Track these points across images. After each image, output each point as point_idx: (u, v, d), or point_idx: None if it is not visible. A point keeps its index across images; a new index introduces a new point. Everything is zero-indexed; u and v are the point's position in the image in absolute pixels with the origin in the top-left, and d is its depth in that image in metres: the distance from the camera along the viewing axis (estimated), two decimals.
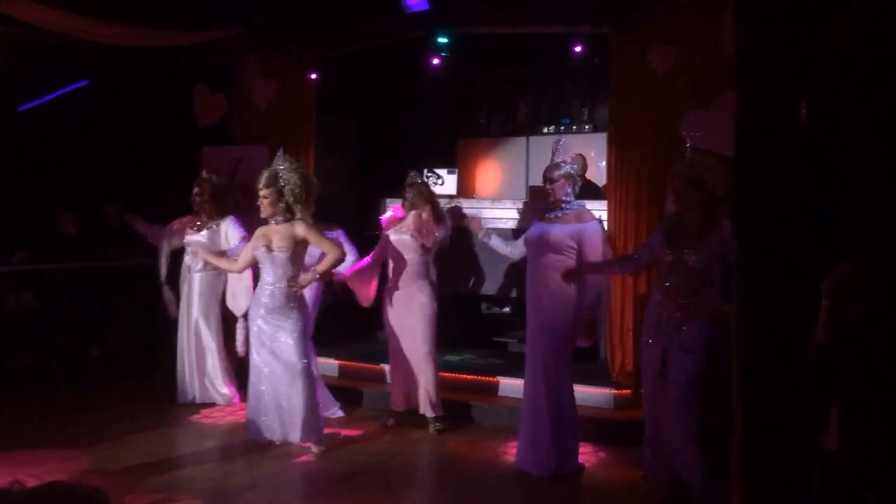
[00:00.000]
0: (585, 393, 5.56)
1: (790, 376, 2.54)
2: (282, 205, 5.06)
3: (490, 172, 9.05)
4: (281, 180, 5.05)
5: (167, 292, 6.27)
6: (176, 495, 4.27)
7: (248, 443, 5.18)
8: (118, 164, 8.06)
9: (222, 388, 6.25)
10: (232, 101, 7.35)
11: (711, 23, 5.46)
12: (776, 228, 2.61)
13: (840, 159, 3.45)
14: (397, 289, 5.63)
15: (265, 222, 5.18)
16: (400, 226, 5.63)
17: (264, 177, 5.08)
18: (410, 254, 5.56)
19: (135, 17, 6.22)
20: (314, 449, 5.06)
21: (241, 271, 5.57)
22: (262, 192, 5.07)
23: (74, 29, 5.95)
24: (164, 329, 6.48)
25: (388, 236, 5.69)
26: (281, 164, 5.10)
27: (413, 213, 5.54)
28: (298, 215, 5.07)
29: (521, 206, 6.68)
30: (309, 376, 5.10)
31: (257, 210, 5.20)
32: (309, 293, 5.51)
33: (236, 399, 6.23)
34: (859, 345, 2.45)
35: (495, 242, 5.21)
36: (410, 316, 5.57)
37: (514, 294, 6.87)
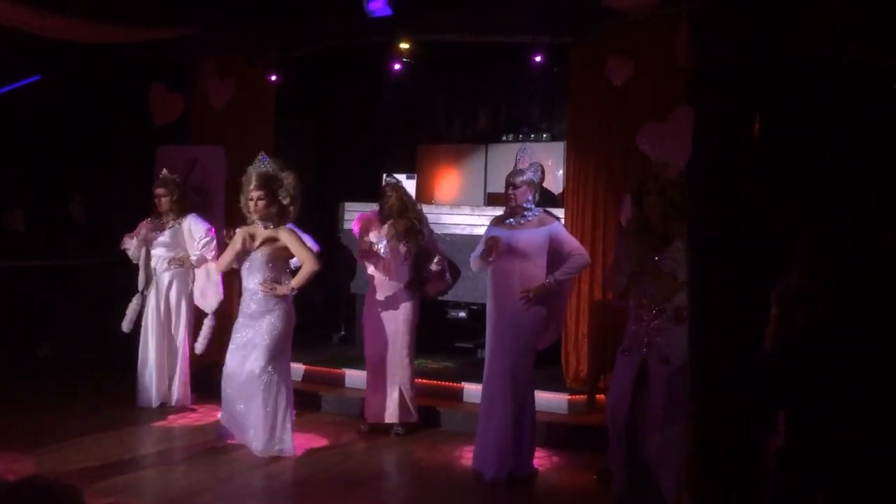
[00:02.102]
0: (540, 398, 5.55)
1: (742, 382, 2.63)
2: (275, 207, 4.91)
3: (449, 178, 9.10)
4: (277, 181, 4.91)
5: (135, 304, 6.10)
6: (128, 498, 4.20)
7: (203, 445, 5.13)
8: (71, 161, 7.90)
9: (182, 390, 6.14)
10: (189, 101, 7.28)
11: (666, 37, 5.59)
12: (730, 238, 2.70)
13: (791, 171, 3.58)
14: (383, 295, 5.54)
15: (242, 222, 5.06)
16: (382, 231, 5.52)
17: (256, 177, 4.88)
18: (397, 259, 5.49)
19: (86, 12, 6.08)
20: (276, 452, 4.96)
21: (223, 269, 5.32)
22: (257, 194, 4.86)
23: (21, 22, 5.78)
24: (119, 330, 6.33)
25: (369, 241, 5.54)
26: (267, 167, 4.93)
27: (401, 220, 5.45)
28: (289, 217, 4.98)
29: (479, 212, 6.74)
30: (270, 389, 4.94)
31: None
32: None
33: (189, 401, 6.15)
34: (806, 352, 2.55)
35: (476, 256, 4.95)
36: (393, 321, 5.51)
37: (470, 299, 6.90)
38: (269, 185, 4.90)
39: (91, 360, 7.17)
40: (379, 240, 5.48)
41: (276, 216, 4.95)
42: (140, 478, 4.59)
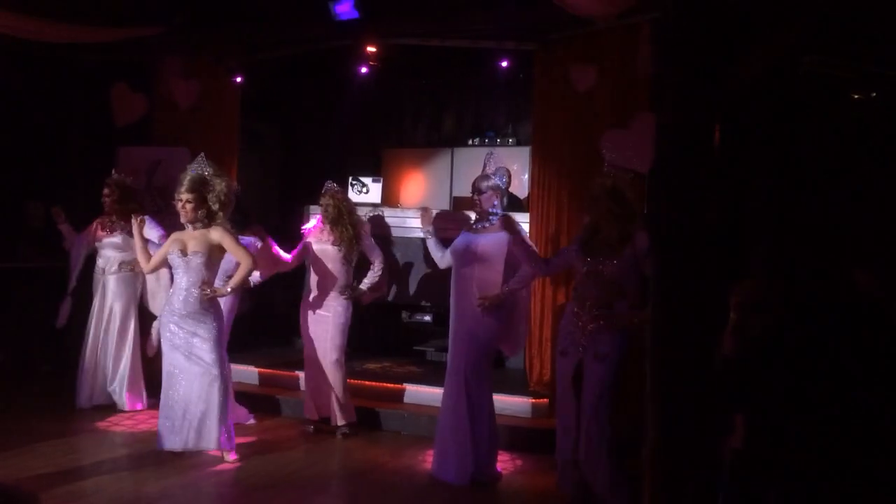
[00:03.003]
0: (503, 402, 5.64)
1: (699, 386, 2.66)
2: (203, 211, 4.96)
3: (414, 182, 9.10)
4: (207, 186, 4.96)
5: (67, 303, 6.10)
6: None
7: (160, 451, 5.05)
8: (31, 162, 7.73)
9: (133, 394, 6.07)
10: (153, 101, 7.18)
11: (629, 45, 5.67)
12: (689, 244, 2.73)
13: (749, 179, 3.64)
14: (317, 297, 5.64)
15: (182, 226, 5.07)
16: (321, 235, 5.65)
17: (188, 181, 4.95)
18: (333, 264, 5.59)
19: (50, 11, 5.98)
20: (227, 458, 4.96)
21: (150, 272, 5.34)
22: (186, 197, 4.93)
23: None
24: (73, 334, 6.24)
25: (310, 244, 5.70)
26: (203, 169, 5.00)
27: (336, 227, 5.57)
28: (217, 221, 4.99)
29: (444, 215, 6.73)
30: (224, 383, 5.01)
31: (174, 212, 5.09)
32: (226, 300, 5.43)
33: (140, 405, 6.09)
34: (761, 357, 2.59)
35: (431, 243, 5.11)
36: (324, 323, 5.60)
37: (434, 303, 6.91)
38: (198, 189, 4.95)
39: (46, 367, 7.04)
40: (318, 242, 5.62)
41: (204, 219, 4.97)
42: (98, 484, 4.49)
